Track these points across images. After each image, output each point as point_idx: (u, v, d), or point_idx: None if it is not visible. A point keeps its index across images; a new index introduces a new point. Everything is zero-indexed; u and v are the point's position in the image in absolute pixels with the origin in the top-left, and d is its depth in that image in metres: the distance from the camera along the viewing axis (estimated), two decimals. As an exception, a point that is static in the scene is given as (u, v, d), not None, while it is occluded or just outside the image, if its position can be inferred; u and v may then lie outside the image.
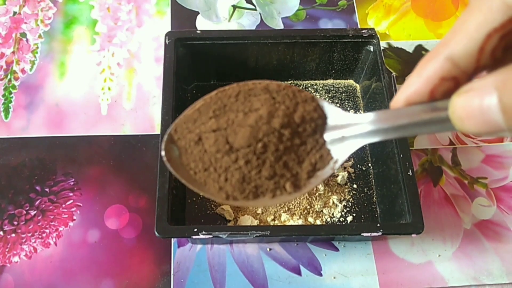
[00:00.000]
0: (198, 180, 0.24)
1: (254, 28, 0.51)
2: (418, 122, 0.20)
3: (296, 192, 0.24)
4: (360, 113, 0.46)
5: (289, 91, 0.24)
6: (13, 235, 0.40)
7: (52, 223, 0.41)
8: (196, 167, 0.24)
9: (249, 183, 0.23)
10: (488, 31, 0.17)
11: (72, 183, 0.43)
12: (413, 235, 0.36)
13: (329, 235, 0.39)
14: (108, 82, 0.48)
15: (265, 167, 0.23)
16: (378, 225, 0.35)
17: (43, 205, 0.42)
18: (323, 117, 0.24)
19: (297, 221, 0.39)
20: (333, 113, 0.24)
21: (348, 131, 0.23)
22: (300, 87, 0.46)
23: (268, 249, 0.40)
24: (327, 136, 0.24)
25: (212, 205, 0.41)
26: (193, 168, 0.24)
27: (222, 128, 0.23)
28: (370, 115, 0.22)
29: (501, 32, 0.17)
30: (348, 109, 0.46)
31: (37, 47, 0.49)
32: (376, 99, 0.42)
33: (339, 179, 0.42)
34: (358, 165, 0.43)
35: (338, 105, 0.46)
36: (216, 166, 0.23)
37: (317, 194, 0.41)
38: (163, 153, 0.24)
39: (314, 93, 0.46)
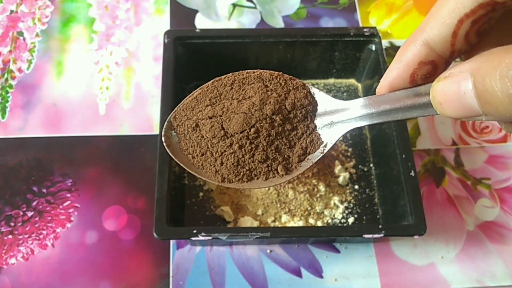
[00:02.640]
0: (196, 164, 0.26)
1: (254, 26, 0.51)
2: (401, 107, 0.21)
3: (287, 175, 0.25)
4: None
5: (281, 79, 0.26)
6: (10, 236, 0.40)
7: (50, 224, 0.40)
8: (194, 152, 0.26)
9: (243, 166, 0.25)
10: (459, 17, 0.18)
11: (69, 184, 0.42)
12: (415, 237, 0.36)
13: (330, 237, 0.38)
14: (106, 82, 0.47)
15: (258, 151, 0.25)
16: (380, 226, 0.35)
17: (40, 206, 0.41)
18: (313, 103, 0.25)
19: (297, 222, 0.39)
20: (323, 99, 0.25)
21: (337, 116, 0.25)
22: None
23: (268, 251, 0.40)
24: (318, 122, 0.25)
25: (212, 207, 0.40)
26: (191, 153, 0.26)
27: (217, 115, 0.25)
28: (358, 101, 0.23)
29: (472, 17, 0.18)
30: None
31: (34, 46, 0.49)
32: (378, 99, 0.42)
33: (340, 180, 0.41)
34: (360, 166, 0.43)
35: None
36: (213, 151, 0.25)
37: (318, 195, 0.40)
38: (163, 138, 0.26)
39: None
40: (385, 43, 0.50)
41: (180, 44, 0.41)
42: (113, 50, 0.49)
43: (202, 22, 0.51)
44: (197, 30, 0.42)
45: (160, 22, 0.51)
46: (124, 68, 0.48)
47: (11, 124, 0.45)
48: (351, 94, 0.46)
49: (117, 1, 0.52)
